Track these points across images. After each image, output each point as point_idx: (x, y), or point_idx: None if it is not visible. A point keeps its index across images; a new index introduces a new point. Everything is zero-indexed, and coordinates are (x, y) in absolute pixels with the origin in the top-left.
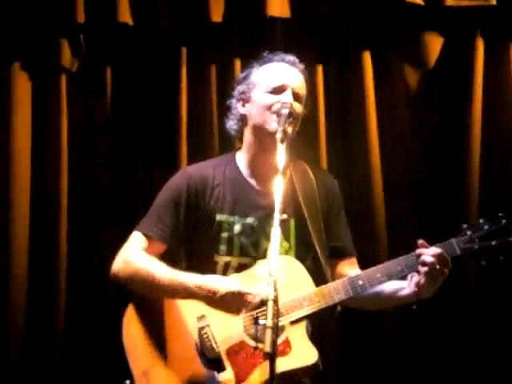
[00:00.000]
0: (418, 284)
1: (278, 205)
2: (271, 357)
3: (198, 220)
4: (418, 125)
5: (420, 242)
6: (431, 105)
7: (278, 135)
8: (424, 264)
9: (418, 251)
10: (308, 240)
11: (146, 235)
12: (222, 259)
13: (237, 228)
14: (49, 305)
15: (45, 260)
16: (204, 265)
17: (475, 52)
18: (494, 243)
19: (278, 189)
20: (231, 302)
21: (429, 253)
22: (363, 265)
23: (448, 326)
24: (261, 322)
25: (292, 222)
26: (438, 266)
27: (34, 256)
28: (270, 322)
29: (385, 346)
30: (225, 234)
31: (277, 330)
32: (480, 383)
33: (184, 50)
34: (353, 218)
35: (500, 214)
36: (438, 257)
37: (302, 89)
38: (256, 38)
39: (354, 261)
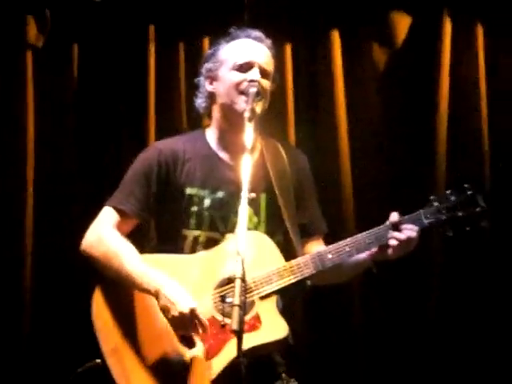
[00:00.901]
0: (380, 251)
1: (245, 184)
2: (238, 334)
3: (168, 194)
4: (386, 103)
5: (392, 214)
6: (399, 83)
7: (247, 114)
8: (394, 238)
9: (391, 224)
10: (279, 215)
11: (117, 209)
12: (191, 233)
13: (207, 202)
14: (15, 285)
15: (11, 237)
16: (173, 239)
17: (442, 32)
18: (460, 214)
19: (246, 168)
20: (182, 322)
21: (401, 227)
22: (331, 239)
23: (414, 299)
24: (228, 300)
25: (263, 197)
26: (406, 241)
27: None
28: (237, 300)
29: (351, 320)
30: (194, 208)
31: (244, 307)
32: (444, 355)
33: (152, 28)
34: (321, 193)
35: (466, 185)
36: (410, 232)
37: (269, 64)
38: (225, 16)
39: (322, 239)
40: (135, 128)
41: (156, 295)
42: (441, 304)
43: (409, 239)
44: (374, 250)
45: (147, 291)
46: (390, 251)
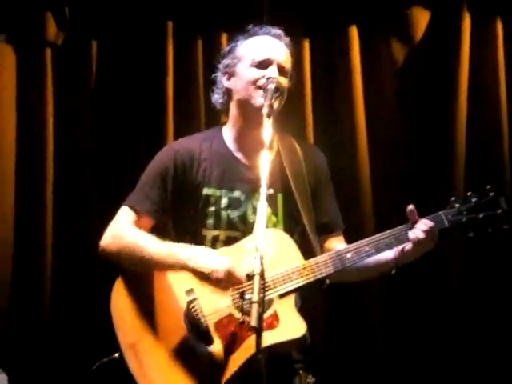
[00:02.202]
0: (401, 251)
1: (264, 180)
2: (257, 331)
3: (185, 194)
4: (404, 99)
5: (410, 207)
6: (418, 79)
7: (265, 110)
8: (415, 237)
9: (412, 224)
10: (296, 214)
11: (134, 209)
12: (209, 233)
13: (224, 202)
14: (35, 280)
15: (31, 236)
16: (192, 239)
17: (462, 27)
18: (481, 215)
19: (265, 164)
20: (219, 280)
21: (421, 227)
22: (349, 237)
23: (433, 298)
24: (247, 296)
25: (280, 197)
26: (425, 239)
27: (21, 232)
28: (255, 297)
29: (369, 319)
30: (212, 208)
31: (263, 304)
32: (464, 356)
33: (170, 24)
34: (339, 190)
35: (488, 187)
36: (427, 230)
37: (287, 62)
38: (243, 12)
39: (341, 235)
40: (153, 124)
41: (188, 263)
42: (459, 305)
43: (427, 236)
44: (397, 250)
45: (177, 264)
46: (408, 248)
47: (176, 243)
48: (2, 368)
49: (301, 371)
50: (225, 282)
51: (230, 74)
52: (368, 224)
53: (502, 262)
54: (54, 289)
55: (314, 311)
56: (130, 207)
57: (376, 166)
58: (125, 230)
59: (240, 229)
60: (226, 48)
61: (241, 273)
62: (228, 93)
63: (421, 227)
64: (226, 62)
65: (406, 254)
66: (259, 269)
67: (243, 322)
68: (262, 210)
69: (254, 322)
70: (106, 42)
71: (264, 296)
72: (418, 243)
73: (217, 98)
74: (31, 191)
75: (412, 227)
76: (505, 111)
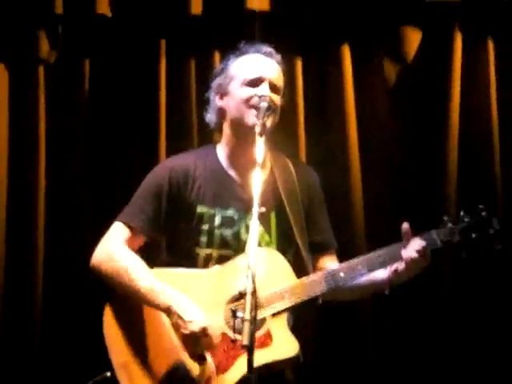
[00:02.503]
0: (395, 271)
1: (256, 199)
2: (249, 349)
3: (178, 212)
4: (397, 118)
5: (404, 226)
6: (410, 98)
7: (257, 129)
8: (407, 257)
9: (406, 243)
10: (289, 233)
11: (127, 225)
12: (202, 251)
13: (217, 220)
14: (26, 297)
15: (22, 251)
16: (185, 257)
17: (453, 46)
18: (474, 236)
19: (257, 182)
20: (193, 340)
21: (413, 247)
22: (340, 254)
23: (424, 317)
24: (239, 314)
25: (273, 215)
26: (418, 259)
27: (12, 247)
28: (247, 315)
29: (362, 338)
30: (205, 226)
31: (255, 322)
32: (456, 373)
33: (163, 43)
34: (330, 207)
35: (480, 206)
36: (420, 250)
37: (279, 80)
38: (235, 31)
39: (334, 254)
40: (146, 142)
41: (167, 312)
42: (450, 323)
43: (421, 255)
44: (390, 270)
45: (158, 307)
46: (401, 267)
47: (167, 265)
48: None
49: None
50: (196, 337)
51: (223, 94)
52: (360, 241)
53: (492, 279)
54: (45, 305)
55: (305, 330)
56: (124, 223)
57: (368, 183)
58: (116, 251)
59: (233, 247)
60: (217, 67)
61: (215, 332)
62: (221, 112)
63: (414, 247)
64: (218, 81)
65: (399, 274)
66: (251, 287)
67: (235, 341)
68: (254, 229)
69: (245, 341)
70: (98, 61)
71: (256, 314)
72: (411, 262)
73: (210, 117)
74: (23, 207)
75: (405, 246)
76: (496, 130)
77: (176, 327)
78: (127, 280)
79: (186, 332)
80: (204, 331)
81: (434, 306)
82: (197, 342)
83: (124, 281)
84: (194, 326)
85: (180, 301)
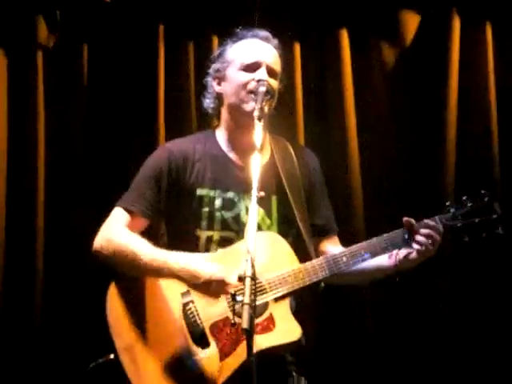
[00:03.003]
0: (405, 258)
1: (255, 183)
2: (248, 333)
3: (179, 195)
4: (394, 101)
5: (406, 219)
6: (408, 82)
7: (256, 113)
8: (418, 243)
9: (409, 231)
10: (290, 217)
11: (127, 210)
12: (203, 234)
13: (217, 202)
14: (27, 283)
15: (22, 237)
16: (186, 239)
17: (451, 30)
18: (477, 220)
19: (256, 167)
20: (212, 288)
21: (423, 233)
22: (340, 238)
23: (425, 301)
24: (238, 298)
25: (274, 199)
26: (426, 245)
27: (11, 233)
28: (247, 299)
29: (361, 322)
30: (206, 209)
31: (255, 306)
32: (455, 357)
33: (161, 28)
34: (330, 191)
35: (482, 191)
36: (431, 235)
37: (276, 64)
38: (234, 15)
39: (336, 239)
40: (145, 127)
41: (181, 269)
42: (452, 308)
43: (428, 241)
44: (398, 256)
45: (171, 269)
46: (413, 255)
47: (168, 247)
48: None
49: (294, 373)
50: (216, 290)
51: (221, 79)
52: (359, 225)
53: (493, 265)
54: (46, 290)
55: (307, 314)
56: (124, 208)
57: (367, 165)
58: (118, 233)
59: (234, 229)
60: (215, 52)
61: (233, 280)
62: (219, 97)
63: (424, 232)
64: (215, 66)
65: (408, 262)
66: (250, 271)
67: (235, 324)
68: (252, 214)
69: (245, 324)
70: (97, 46)
71: (255, 298)
72: (423, 251)
73: (208, 102)
74: (23, 192)
75: (409, 233)
76: (494, 114)
77: (195, 285)
78: (131, 257)
79: (203, 284)
80: (220, 280)
81: (434, 289)
82: (216, 290)
83: (128, 258)
84: (210, 276)
85: (193, 259)
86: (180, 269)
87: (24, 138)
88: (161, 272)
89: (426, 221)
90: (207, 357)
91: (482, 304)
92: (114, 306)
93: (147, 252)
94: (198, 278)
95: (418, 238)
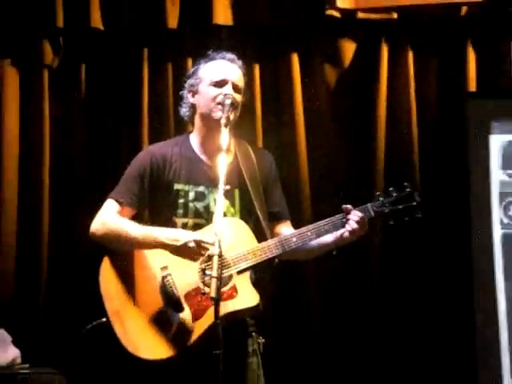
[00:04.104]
0: (341, 236)
1: (222, 178)
2: (216, 301)
3: (159, 189)
4: (336, 111)
5: (344, 206)
6: (347, 96)
7: (222, 121)
8: (349, 225)
9: (347, 215)
10: (250, 206)
11: (118, 201)
12: (180, 221)
13: (191, 195)
14: (34, 261)
15: (31, 226)
16: (165, 225)
17: (381, 55)
18: (400, 207)
19: (222, 165)
20: (190, 250)
21: (354, 217)
22: (292, 222)
23: (359, 273)
24: (207, 272)
25: (237, 192)
26: (359, 227)
27: (22, 223)
28: (214, 273)
29: (308, 292)
30: (181, 200)
31: (221, 279)
32: (382, 332)
33: (145, 51)
34: (282, 184)
35: (405, 184)
36: (360, 220)
37: (240, 81)
38: (205, 41)
39: (288, 223)
40: (132, 132)
41: (165, 238)
42: (381, 283)
43: (360, 225)
44: (335, 235)
45: (157, 239)
46: (346, 234)
47: (150, 227)
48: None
49: (253, 333)
50: (194, 251)
51: (194, 92)
52: (307, 215)
53: (414, 242)
54: (51, 267)
55: (264, 284)
56: (115, 200)
57: (313, 164)
58: (110, 217)
59: (204, 217)
60: (190, 70)
61: (208, 240)
62: (193, 107)
63: (354, 218)
64: (190, 82)
65: (343, 239)
66: (218, 250)
67: (204, 293)
68: (219, 204)
69: (213, 293)
70: (93, 65)
71: (221, 272)
72: (352, 231)
73: (184, 111)
74: (31, 187)
75: (346, 217)
76: (415, 123)
77: (173, 251)
78: (122, 234)
79: (183, 245)
80: (196, 241)
81: (368, 261)
82: (194, 252)
83: (120, 236)
84: (188, 239)
85: (174, 229)
86: (162, 236)
87: (33, 139)
88: (147, 242)
89: (358, 208)
90: (182, 319)
91: (407, 277)
92: (105, 277)
93: (135, 228)
94: (178, 240)
95: (352, 221)
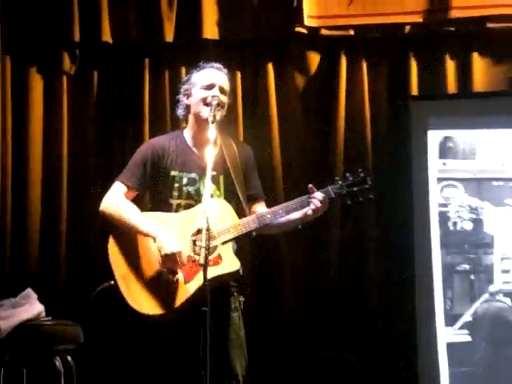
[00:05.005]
0: (306, 214)
1: (209, 166)
2: (204, 267)
3: (158, 175)
4: (304, 111)
5: (310, 186)
6: (312, 98)
7: (210, 119)
8: (314, 204)
9: (310, 195)
10: (233, 189)
11: (124, 184)
12: (175, 201)
13: (184, 180)
14: (56, 236)
15: (52, 207)
16: (163, 205)
17: (340, 65)
18: (355, 189)
19: (210, 155)
20: (169, 259)
21: (317, 197)
22: (267, 203)
23: (320, 244)
24: (198, 243)
25: (221, 177)
26: (321, 206)
27: (45, 204)
28: (203, 243)
29: (278, 262)
30: (176, 185)
31: (208, 249)
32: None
33: (146, 61)
34: (260, 172)
35: (360, 170)
36: (322, 200)
37: (226, 85)
38: (196, 53)
39: (263, 203)
40: (135, 129)
41: (154, 238)
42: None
43: (322, 204)
44: (302, 212)
45: (148, 235)
46: (309, 212)
47: (152, 211)
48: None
49: (235, 293)
50: (171, 258)
51: (188, 95)
52: (279, 196)
53: (367, 221)
54: (70, 238)
55: (244, 253)
56: (121, 182)
57: (285, 157)
58: (116, 200)
59: (195, 199)
60: (184, 78)
61: (183, 255)
62: (187, 108)
63: (317, 198)
64: (184, 86)
65: (308, 216)
66: (206, 225)
67: (195, 260)
68: (207, 187)
69: (201, 260)
70: (103, 72)
71: (209, 243)
72: (316, 209)
73: (180, 112)
74: (53, 176)
75: (311, 197)
76: (368, 120)
77: (159, 249)
78: (126, 219)
79: (166, 252)
80: (175, 254)
81: (330, 232)
82: (171, 261)
83: (123, 219)
84: (171, 249)
85: (162, 232)
86: (151, 231)
87: (54, 134)
88: (139, 232)
89: (321, 190)
90: (176, 281)
91: (360, 247)
92: (113, 248)
93: (134, 217)
94: (162, 247)
95: (316, 201)
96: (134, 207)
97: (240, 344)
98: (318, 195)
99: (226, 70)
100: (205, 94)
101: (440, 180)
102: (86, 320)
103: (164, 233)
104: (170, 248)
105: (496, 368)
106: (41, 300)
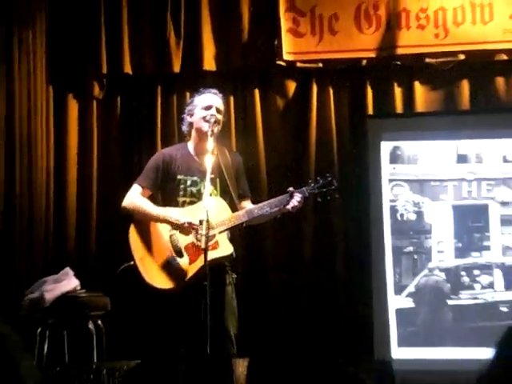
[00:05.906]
0: (285, 208)
1: (208, 171)
2: (204, 251)
3: (168, 178)
4: (283, 127)
5: (289, 189)
6: (290, 117)
7: (209, 133)
8: (292, 202)
9: (289, 194)
10: (227, 189)
11: (140, 185)
12: (181, 199)
13: (188, 182)
14: (87, 225)
15: (85, 206)
16: (171, 202)
17: (312, 90)
18: (325, 190)
19: (209, 162)
20: (185, 228)
21: (294, 196)
22: (254, 200)
23: (297, 233)
24: (200, 231)
25: (218, 180)
26: (298, 204)
27: (79, 202)
28: (204, 232)
29: (264, 248)
30: (182, 186)
31: (207, 236)
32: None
33: (159, 88)
34: (247, 175)
35: (327, 174)
36: (299, 199)
37: (221, 106)
38: (198, 80)
39: (249, 200)
40: (150, 141)
41: (168, 220)
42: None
43: (299, 202)
44: (282, 208)
45: (161, 221)
46: (289, 207)
47: (161, 207)
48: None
49: (229, 271)
50: (186, 228)
51: (191, 114)
52: (263, 195)
53: (334, 216)
54: (100, 226)
55: (236, 240)
56: (139, 184)
57: (268, 163)
58: (136, 198)
59: (197, 197)
60: (188, 101)
61: (195, 221)
62: (190, 124)
63: (295, 197)
64: (188, 108)
65: (286, 209)
66: (206, 217)
67: (197, 246)
68: (207, 187)
69: (203, 246)
70: (125, 97)
71: (208, 232)
72: (294, 206)
73: (184, 128)
74: (86, 178)
75: (290, 197)
76: (335, 134)
77: (177, 227)
78: (143, 210)
79: (182, 222)
80: (188, 222)
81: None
82: (187, 228)
83: (142, 211)
84: (185, 220)
85: (172, 212)
86: (167, 216)
87: (87, 153)
88: (159, 219)
89: (298, 190)
90: (182, 261)
91: (329, 236)
92: (133, 236)
93: (152, 209)
94: (178, 220)
95: (293, 199)
96: (148, 201)
97: (233, 311)
98: (296, 195)
99: (221, 95)
100: (204, 113)
101: (390, 181)
102: (112, 292)
103: (175, 212)
104: (185, 219)
105: (434, 327)
106: (77, 276)
